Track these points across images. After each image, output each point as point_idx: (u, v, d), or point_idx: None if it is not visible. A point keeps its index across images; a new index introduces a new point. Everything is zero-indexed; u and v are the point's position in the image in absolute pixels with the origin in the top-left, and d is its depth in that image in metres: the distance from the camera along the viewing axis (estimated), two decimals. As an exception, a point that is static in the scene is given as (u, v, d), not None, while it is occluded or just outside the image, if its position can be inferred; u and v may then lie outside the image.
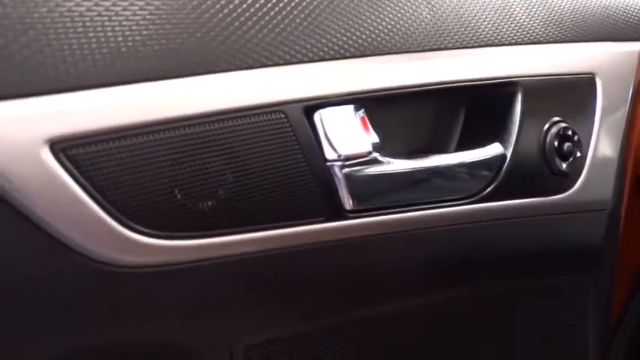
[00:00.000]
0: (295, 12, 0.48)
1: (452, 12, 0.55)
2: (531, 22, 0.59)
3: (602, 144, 0.62)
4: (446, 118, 0.58)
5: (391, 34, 0.51)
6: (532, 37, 0.58)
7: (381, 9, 0.51)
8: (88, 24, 0.41)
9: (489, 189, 0.55)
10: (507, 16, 0.58)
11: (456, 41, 0.54)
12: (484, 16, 0.56)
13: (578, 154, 0.59)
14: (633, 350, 0.76)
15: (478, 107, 0.58)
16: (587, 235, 0.63)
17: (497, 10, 0.57)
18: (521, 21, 0.58)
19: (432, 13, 0.54)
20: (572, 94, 0.60)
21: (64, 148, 0.39)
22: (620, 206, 0.66)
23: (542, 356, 0.68)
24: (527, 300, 0.64)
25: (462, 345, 0.62)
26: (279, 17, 0.47)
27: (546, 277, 0.64)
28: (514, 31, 0.58)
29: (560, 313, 0.67)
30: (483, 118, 0.57)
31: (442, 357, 0.62)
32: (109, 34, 0.41)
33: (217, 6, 0.45)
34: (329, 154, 0.48)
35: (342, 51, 0.49)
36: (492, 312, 0.62)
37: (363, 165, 0.49)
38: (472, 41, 0.55)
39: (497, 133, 0.56)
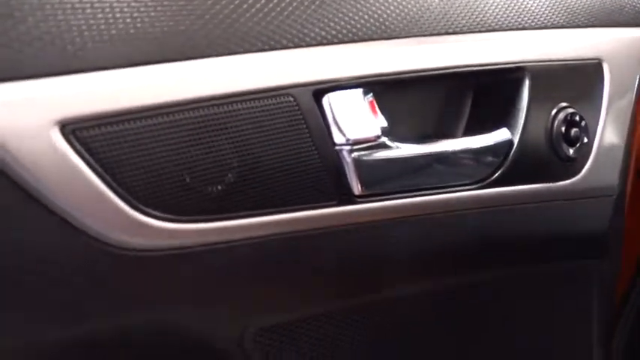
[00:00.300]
0: (304, -6, 0.47)
1: None
2: (539, 6, 0.59)
3: (609, 130, 0.62)
4: (454, 103, 0.58)
5: (400, 18, 0.51)
6: (539, 22, 0.58)
7: (389, -8, 0.51)
8: (96, 5, 0.40)
9: (496, 174, 0.55)
10: (515, 1, 0.57)
11: (464, 26, 0.54)
12: (492, 1, 0.56)
13: (585, 139, 0.59)
14: (635, 338, 0.76)
15: (486, 92, 0.58)
16: (593, 221, 0.63)
17: (505, -6, 0.57)
18: (529, 6, 0.58)
19: (440, -3, 0.53)
20: (579, 79, 0.60)
21: (74, 129, 0.39)
22: (626, 192, 0.66)
23: (546, 343, 0.68)
24: (532, 286, 0.64)
25: (469, 329, 0.62)
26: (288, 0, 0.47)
27: (552, 262, 0.64)
28: (522, 16, 0.57)
29: (565, 300, 0.67)
30: (491, 103, 0.57)
31: (450, 341, 0.62)
32: (118, 15, 0.41)
33: (226, -12, 0.45)
34: (337, 138, 0.48)
35: (350, 34, 0.49)
36: (499, 297, 0.62)
37: (371, 149, 0.49)
38: (480, 26, 0.55)
39: (505, 119, 0.56)
